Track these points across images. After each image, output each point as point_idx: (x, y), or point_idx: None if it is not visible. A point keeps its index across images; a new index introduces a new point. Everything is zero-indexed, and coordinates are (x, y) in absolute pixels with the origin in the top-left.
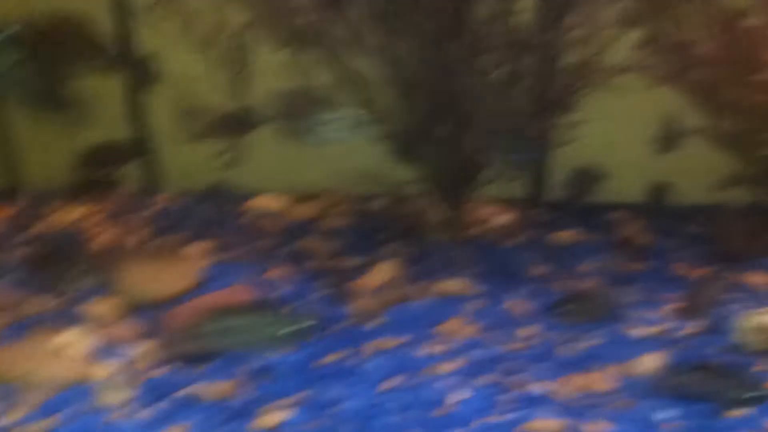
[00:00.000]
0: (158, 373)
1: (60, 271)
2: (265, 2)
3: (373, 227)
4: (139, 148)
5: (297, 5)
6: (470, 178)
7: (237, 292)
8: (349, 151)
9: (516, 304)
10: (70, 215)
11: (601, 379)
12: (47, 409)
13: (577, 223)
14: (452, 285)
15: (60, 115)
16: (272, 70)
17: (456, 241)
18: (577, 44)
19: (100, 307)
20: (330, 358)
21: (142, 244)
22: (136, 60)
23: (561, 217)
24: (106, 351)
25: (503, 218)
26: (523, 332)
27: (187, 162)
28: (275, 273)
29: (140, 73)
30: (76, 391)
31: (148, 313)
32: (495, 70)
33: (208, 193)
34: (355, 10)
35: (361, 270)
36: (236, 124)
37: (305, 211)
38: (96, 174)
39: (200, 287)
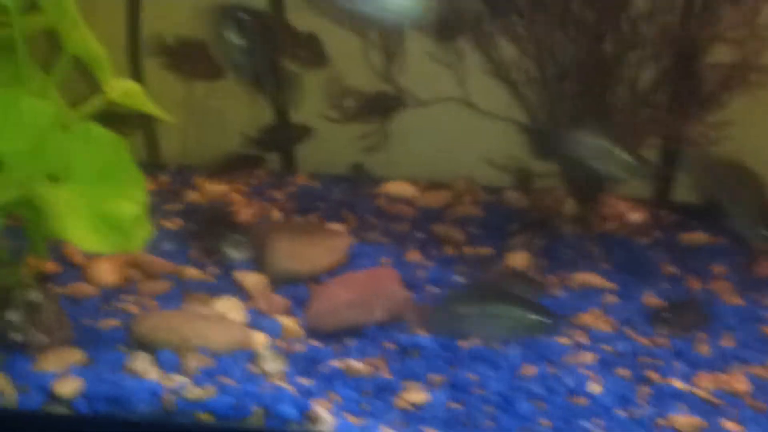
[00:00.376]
0: (306, 346)
1: (213, 242)
2: None
3: (504, 217)
4: (306, 130)
5: None
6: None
7: (383, 272)
8: (483, 141)
9: (651, 299)
10: (215, 190)
11: (739, 380)
12: (209, 374)
13: (709, 225)
14: (586, 278)
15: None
16: (424, 56)
17: (588, 235)
18: (732, 40)
19: (251, 278)
20: (473, 341)
21: (286, 219)
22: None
23: (692, 218)
24: (258, 321)
25: (634, 216)
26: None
27: (328, 144)
28: (413, 256)
29: (309, 54)
30: (236, 358)
31: (296, 286)
32: (646, 66)
33: (344, 176)
34: None
35: (494, 258)
36: (383, 108)
37: (437, 198)
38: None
39: (346, 264)
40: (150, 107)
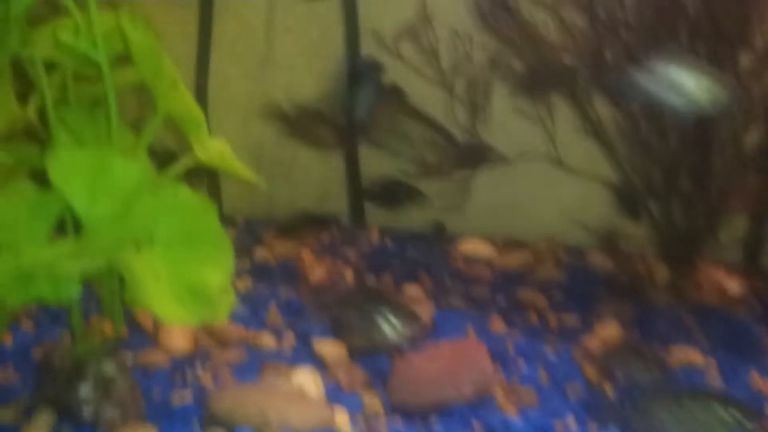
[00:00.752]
0: (388, 425)
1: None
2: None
3: (590, 282)
4: (419, 192)
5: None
6: (702, 239)
7: (469, 345)
8: (566, 199)
9: (758, 381)
10: (284, 247)
11: None
12: None
13: None
14: (686, 353)
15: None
16: (509, 110)
17: (682, 304)
18: None
19: (329, 348)
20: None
21: (360, 280)
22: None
23: None
24: (337, 396)
25: (731, 284)
26: None
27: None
28: (496, 325)
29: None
30: None
31: (377, 357)
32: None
33: (417, 233)
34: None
35: (582, 328)
36: (466, 161)
37: (517, 259)
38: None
39: (428, 334)
40: (241, 169)
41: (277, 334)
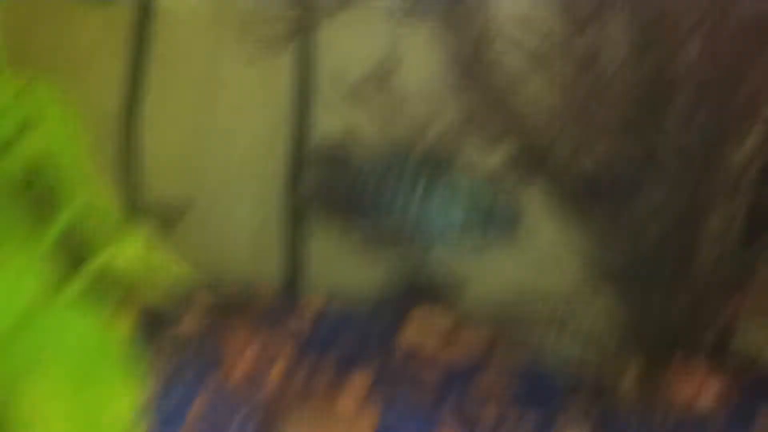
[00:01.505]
0: None
1: None
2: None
3: (552, 377)
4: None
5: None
6: (682, 338)
7: None
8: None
9: None
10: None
11: None
12: None
13: None
14: None
15: None
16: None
17: (656, 410)
18: None
19: None
20: None
21: (288, 377)
22: None
23: None
24: None
25: (708, 389)
26: None
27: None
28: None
29: None
30: None
31: None
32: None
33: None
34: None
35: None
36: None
37: (469, 345)
38: None
39: None
40: (170, 272)
41: None
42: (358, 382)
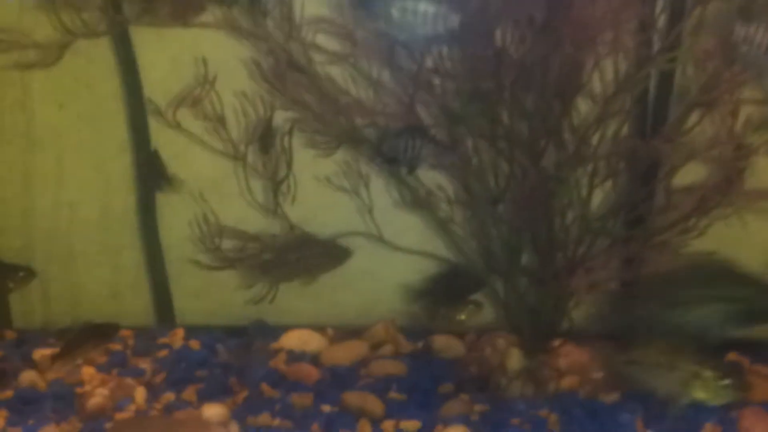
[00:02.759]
0: None
1: None
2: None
3: (434, 374)
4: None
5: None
6: (558, 317)
7: None
8: (399, 278)
9: None
10: (59, 365)
11: None
12: None
13: None
14: None
15: None
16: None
17: (541, 396)
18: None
19: None
20: None
21: (152, 403)
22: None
23: None
24: None
25: (591, 365)
26: None
27: (203, 293)
28: None
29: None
30: None
31: None
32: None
33: (230, 329)
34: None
35: None
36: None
37: (349, 352)
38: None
39: None
40: None
41: None
42: (217, 408)
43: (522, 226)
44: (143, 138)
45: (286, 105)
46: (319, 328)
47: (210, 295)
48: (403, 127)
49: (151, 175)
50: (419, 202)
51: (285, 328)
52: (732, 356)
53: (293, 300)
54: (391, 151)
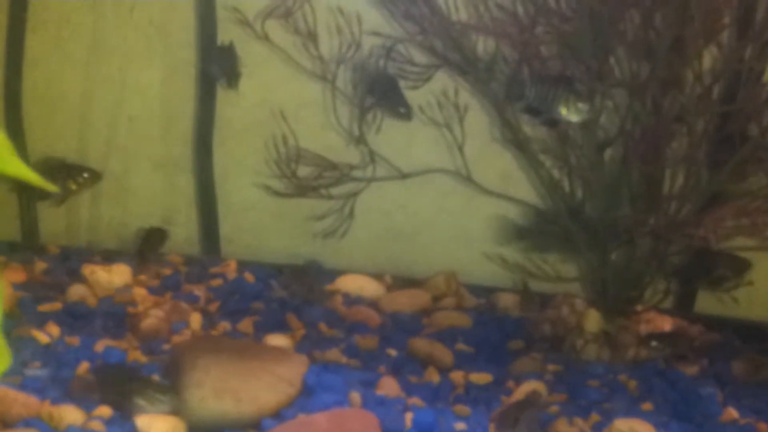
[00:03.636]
0: None
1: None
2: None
3: (502, 331)
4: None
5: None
6: (642, 282)
7: (353, 416)
8: (473, 226)
9: None
10: (110, 282)
11: None
12: None
13: (762, 347)
14: (632, 428)
15: None
16: None
17: (619, 361)
18: None
19: (161, 426)
20: None
21: (210, 328)
22: None
23: (736, 338)
24: None
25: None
26: None
27: (253, 228)
28: (388, 386)
29: None
30: None
31: None
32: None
33: (283, 265)
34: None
35: (497, 390)
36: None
37: (410, 300)
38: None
39: (299, 401)
40: (20, 169)
41: (87, 406)
42: (281, 338)
43: (628, 175)
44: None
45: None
46: (376, 276)
47: (260, 232)
48: (549, 75)
49: (224, 66)
50: (520, 143)
51: (338, 273)
52: None
53: (347, 245)
54: (536, 100)
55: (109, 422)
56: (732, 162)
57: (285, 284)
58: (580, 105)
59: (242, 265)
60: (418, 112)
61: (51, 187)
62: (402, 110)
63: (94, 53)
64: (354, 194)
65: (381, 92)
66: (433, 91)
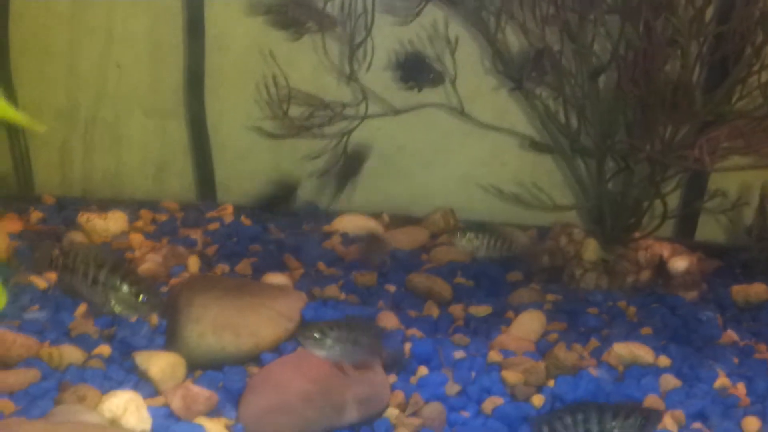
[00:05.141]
0: None
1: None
2: None
3: (502, 263)
4: None
5: None
6: (639, 210)
7: None
8: (469, 160)
9: (724, 381)
10: (106, 229)
11: None
12: None
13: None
14: (631, 350)
15: None
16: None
17: (618, 289)
18: None
19: (160, 362)
20: None
21: (208, 270)
22: None
23: (736, 265)
24: (168, 427)
25: (677, 263)
26: (751, 424)
27: (257, 165)
28: (387, 320)
29: None
30: None
31: (228, 371)
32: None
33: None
34: None
35: (497, 321)
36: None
37: (409, 237)
38: None
39: (293, 337)
40: (10, 113)
41: (86, 346)
42: (280, 277)
43: (624, 99)
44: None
45: None
46: (373, 215)
47: (252, 176)
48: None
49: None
50: (510, 72)
51: (336, 214)
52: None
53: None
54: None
55: (108, 360)
56: (726, 85)
57: (281, 227)
58: None
59: (239, 210)
60: (408, 46)
61: (39, 128)
62: (432, 76)
63: (79, 3)
64: (348, 132)
65: (411, 68)
66: (424, 25)
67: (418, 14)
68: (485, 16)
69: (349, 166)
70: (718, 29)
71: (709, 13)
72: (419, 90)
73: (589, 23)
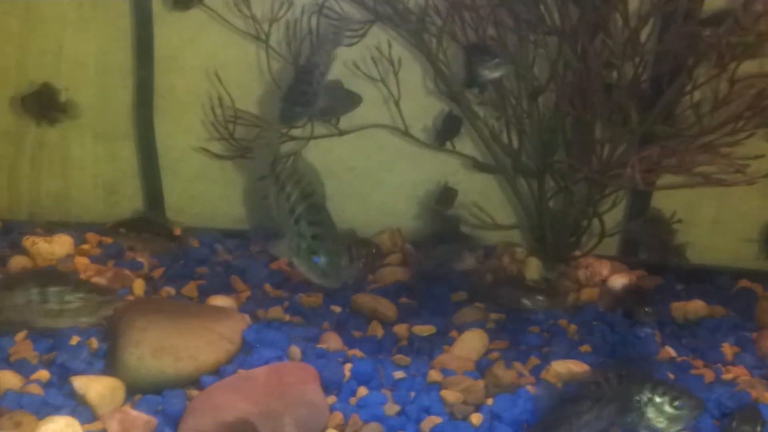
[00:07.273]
0: None
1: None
2: None
3: (444, 281)
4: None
5: None
6: (579, 228)
7: (292, 369)
8: (411, 180)
9: None
10: (52, 252)
11: None
12: None
13: (700, 290)
14: (568, 368)
15: None
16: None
17: (559, 306)
18: None
19: (98, 386)
20: None
21: (153, 295)
22: None
23: (678, 283)
24: None
25: (617, 280)
26: None
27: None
28: (330, 341)
29: None
30: None
31: (167, 394)
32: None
33: (225, 232)
34: None
35: (440, 340)
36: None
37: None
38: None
39: (238, 358)
40: None
41: (24, 371)
42: (223, 299)
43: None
44: (146, 23)
45: None
46: None
47: (203, 197)
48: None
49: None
50: (454, 95)
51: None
52: (744, 283)
53: None
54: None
55: (46, 385)
56: (660, 104)
57: (228, 249)
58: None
59: (187, 232)
60: (354, 69)
61: None
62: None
63: (28, 24)
64: (295, 153)
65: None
66: (368, 46)
67: (363, 36)
68: (427, 38)
69: None
70: (652, 50)
71: (645, 34)
72: (337, 122)
73: (529, 44)
